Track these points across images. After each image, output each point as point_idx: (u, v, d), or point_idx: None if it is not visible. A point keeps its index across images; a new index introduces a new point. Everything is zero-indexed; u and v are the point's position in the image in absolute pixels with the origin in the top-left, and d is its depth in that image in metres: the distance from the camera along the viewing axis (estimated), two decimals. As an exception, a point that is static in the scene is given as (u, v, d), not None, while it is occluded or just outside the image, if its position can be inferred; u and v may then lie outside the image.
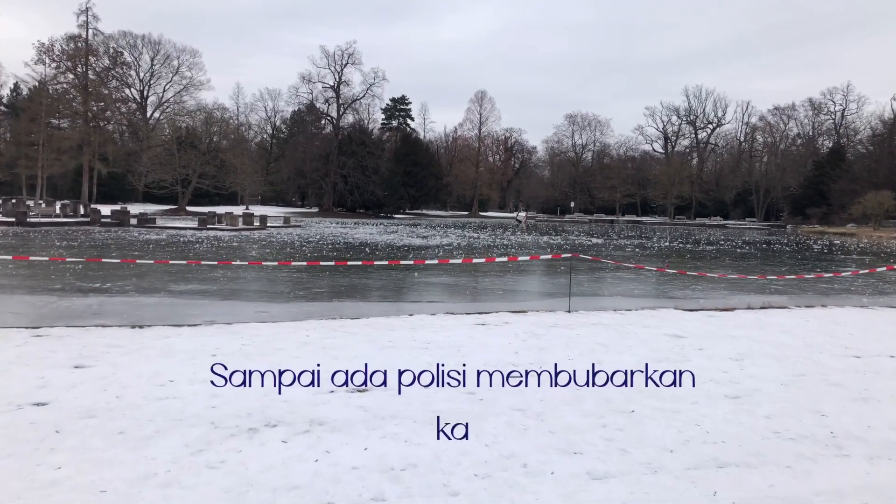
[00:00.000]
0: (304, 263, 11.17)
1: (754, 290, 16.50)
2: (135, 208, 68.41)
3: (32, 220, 40.14)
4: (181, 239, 31.20)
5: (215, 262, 13.10)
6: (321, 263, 10.88)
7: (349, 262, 10.78)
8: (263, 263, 12.27)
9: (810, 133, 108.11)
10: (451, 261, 10.81)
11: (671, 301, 14.32)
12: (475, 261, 11.00)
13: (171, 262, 11.02)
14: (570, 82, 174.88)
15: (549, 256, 11.32)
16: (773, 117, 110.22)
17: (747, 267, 24.49)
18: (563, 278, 18.03)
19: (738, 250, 35.19)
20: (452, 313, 10.70)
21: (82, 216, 47.25)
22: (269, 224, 48.24)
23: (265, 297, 13.10)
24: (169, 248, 25.40)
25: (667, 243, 40.75)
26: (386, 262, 12.14)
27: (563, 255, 11.34)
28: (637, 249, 33.38)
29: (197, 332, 8.29)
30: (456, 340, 7.93)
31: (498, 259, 11.57)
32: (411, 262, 10.40)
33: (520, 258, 11.96)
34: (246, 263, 13.06)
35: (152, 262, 13.25)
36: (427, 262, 11.36)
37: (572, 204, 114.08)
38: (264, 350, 7.13)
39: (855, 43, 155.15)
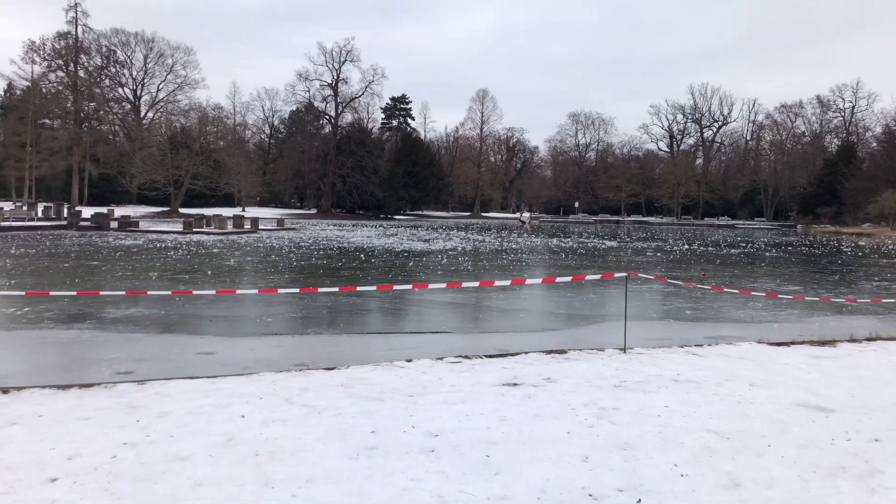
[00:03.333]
0: (255, 291, 8.18)
1: (828, 310, 13.52)
2: (127, 211, 65.51)
3: (3, 224, 37.15)
4: (158, 245, 28.23)
5: (122, 292, 10.05)
6: (279, 291, 7.93)
7: (320, 290, 7.84)
8: (194, 292, 9.23)
9: (818, 131, 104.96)
10: (466, 284, 7.84)
11: (738, 327, 11.33)
12: (498, 283, 7.97)
13: (50, 293, 8.01)
14: (572, 82, 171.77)
15: (598, 276, 8.31)
16: (781, 115, 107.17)
17: (791, 275, 21.51)
18: (590, 293, 15.06)
19: (767, 254, 32.19)
20: (467, 357, 7.71)
21: (64, 219, 44.26)
22: (260, 227, 45.23)
23: (219, 327, 10.10)
24: (138, 255, 22.44)
25: (686, 246, 37.74)
26: (373, 287, 9.08)
27: (617, 275, 8.29)
28: (659, 254, 30.37)
29: (74, 407, 5.32)
30: (480, 426, 4.96)
31: (530, 281, 8.58)
32: (408, 287, 7.53)
33: (558, 279, 8.94)
34: (168, 293, 10.02)
35: (23, 293, 10.21)
36: (432, 285, 8.38)
37: (577, 204, 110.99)
38: (152, 464, 4.15)
39: (863, 41, 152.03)
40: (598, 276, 8.35)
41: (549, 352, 8.18)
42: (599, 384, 6.36)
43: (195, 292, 8.95)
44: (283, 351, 8.53)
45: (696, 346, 8.94)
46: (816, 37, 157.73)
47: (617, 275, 8.16)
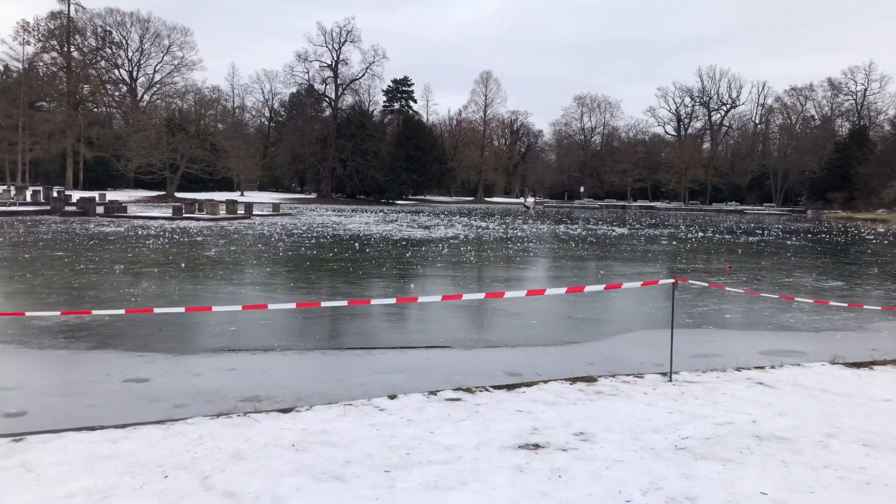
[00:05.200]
0: (182, 310, 6.37)
1: (890, 313, 11.68)
2: (122, 195, 63.68)
3: (-18, 208, 35.38)
4: (140, 232, 26.43)
5: None
6: (214, 309, 6.10)
7: (270, 307, 6.10)
8: (94, 312, 7.35)
9: (828, 114, 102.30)
10: (467, 296, 6.04)
11: (794, 337, 9.51)
12: (509, 295, 6.15)
13: None
14: (578, 66, 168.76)
15: (638, 284, 6.49)
16: (790, 98, 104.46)
17: (825, 267, 19.64)
18: (610, 291, 13.24)
19: (788, 242, 30.27)
20: (469, 390, 5.91)
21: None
22: (255, 212, 43.37)
23: (169, 339, 8.26)
24: (113, 244, 20.63)
25: (700, 233, 35.84)
26: (344, 303, 7.17)
27: (662, 282, 6.43)
28: (674, 243, 28.50)
29: None
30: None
31: (550, 291, 6.77)
32: (391, 301, 5.80)
33: (587, 289, 7.08)
34: (57, 313, 8.18)
35: None
36: (422, 299, 6.46)
37: (582, 189, 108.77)
38: None
39: (876, 22, 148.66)
40: (637, 285, 6.55)
41: (574, 380, 6.38)
42: (654, 444, 4.54)
43: (95, 312, 7.10)
44: (235, 377, 6.72)
45: (755, 368, 7.13)
46: (828, 18, 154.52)
47: (662, 282, 6.35)
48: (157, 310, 7.15)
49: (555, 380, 6.39)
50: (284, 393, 6.11)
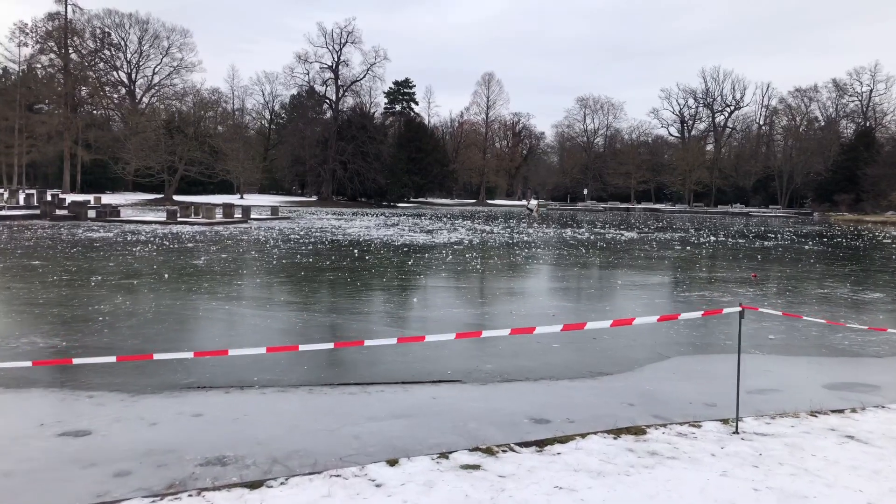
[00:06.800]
0: (113, 359, 5.14)
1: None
2: (120, 198, 62.52)
3: (-31, 213, 34.16)
4: (129, 237, 25.18)
5: None
6: (155, 357, 4.95)
7: (231, 353, 4.92)
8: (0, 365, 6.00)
9: (833, 115, 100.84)
10: (488, 333, 4.81)
11: (855, 364, 8.26)
12: (541, 331, 4.92)
13: None
14: (580, 67, 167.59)
15: (699, 314, 5.25)
16: (795, 99, 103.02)
17: (856, 276, 18.37)
18: (630, 302, 11.99)
19: (805, 247, 28.98)
20: (490, 451, 4.65)
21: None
22: (252, 216, 42.11)
23: (127, 373, 7.02)
24: (97, 251, 19.37)
25: (712, 238, 34.54)
26: (330, 345, 5.93)
27: (727, 311, 5.15)
28: (688, 248, 27.22)
29: None
30: None
31: (591, 325, 5.53)
32: (391, 341, 4.81)
33: (637, 321, 5.74)
34: None
35: None
36: (431, 337, 5.41)
37: (585, 191, 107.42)
38: None
39: (882, 23, 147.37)
40: (698, 315, 5.32)
41: (619, 432, 5.14)
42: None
43: (78, 361, 5.87)
44: (200, 427, 5.47)
45: (833, 412, 5.88)
46: (833, 19, 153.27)
47: (727, 311, 5.12)
48: (76, 360, 5.88)
49: (594, 432, 5.14)
50: (257, 451, 4.86)
